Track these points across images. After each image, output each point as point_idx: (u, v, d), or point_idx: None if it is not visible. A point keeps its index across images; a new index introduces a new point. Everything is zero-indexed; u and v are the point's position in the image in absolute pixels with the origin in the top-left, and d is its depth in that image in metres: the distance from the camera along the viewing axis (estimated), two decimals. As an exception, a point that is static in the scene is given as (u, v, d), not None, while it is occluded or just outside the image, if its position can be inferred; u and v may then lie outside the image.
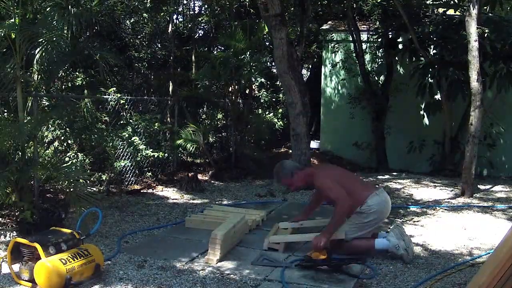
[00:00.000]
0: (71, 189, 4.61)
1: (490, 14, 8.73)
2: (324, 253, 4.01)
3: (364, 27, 10.62)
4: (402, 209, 6.26)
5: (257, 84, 9.77)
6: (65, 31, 5.64)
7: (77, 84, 7.20)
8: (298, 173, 4.54)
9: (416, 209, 6.22)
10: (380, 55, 10.34)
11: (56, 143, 6.38)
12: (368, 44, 10.45)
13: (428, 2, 9.31)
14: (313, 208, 4.94)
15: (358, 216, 4.31)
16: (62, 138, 6.43)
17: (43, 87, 6.16)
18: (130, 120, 7.17)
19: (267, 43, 10.03)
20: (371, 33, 10.35)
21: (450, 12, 9.04)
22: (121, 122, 7.14)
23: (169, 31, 9.72)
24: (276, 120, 9.29)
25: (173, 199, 6.55)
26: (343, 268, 3.93)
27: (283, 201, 6.46)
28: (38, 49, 4.88)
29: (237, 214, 5.50)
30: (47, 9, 5.48)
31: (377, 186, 4.58)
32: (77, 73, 7.28)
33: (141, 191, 6.92)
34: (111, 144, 6.62)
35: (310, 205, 5.01)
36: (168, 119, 8.72)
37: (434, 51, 9.04)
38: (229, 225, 4.42)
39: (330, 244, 4.11)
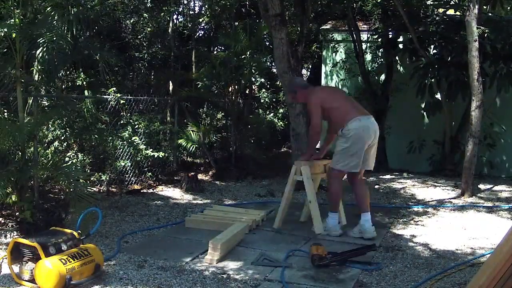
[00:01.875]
0: (71, 189, 4.61)
1: (490, 14, 8.72)
2: (321, 249, 4.07)
3: (364, 27, 10.62)
4: (403, 209, 6.26)
5: (257, 84, 9.76)
6: (65, 31, 5.64)
7: (78, 84, 7.20)
8: (299, 91, 5.03)
9: (416, 209, 6.22)
10: (380, 55, 10.33)
11: (56, 143, 6.38)
12: (368, 44, 10.44)
13: (428, 2, 9.29)
14: (331, 139, 5.32)
15: (340, 140, 4.73)
16: (62, 138, 6.43)
17: (43, 87, 6.16)
18: (130, 120, 7.17)
19: (267, 43, 10.02)
20: (371, 33, 10.34)
21: (450, 12, 9.03)
22: (121, 122, 7.13)
23: (169, 31, 9.71)
24: (276, 120, 9.28)
25: (173, 199, 6.55)
26: (353, 259, 4.10)
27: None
28: (39, 49, 4.88)
29: (237, 214, 5.52)
30: (47, 9, 5.49)
31: (362, 111, 4.83)
32: (78, 73, 7.28)
33: (141, 191, 6.92)
34: (111, 144, 6.62)
35: (325, 143, 5.41)
36: (168, 119, 8.72)
37: (434, 51, 9.03)
38: (229, 234, 4.45)
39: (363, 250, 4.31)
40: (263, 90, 9.76)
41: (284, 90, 7.49)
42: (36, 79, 5.68)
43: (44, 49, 4.89)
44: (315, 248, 4.08)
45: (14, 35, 4.51)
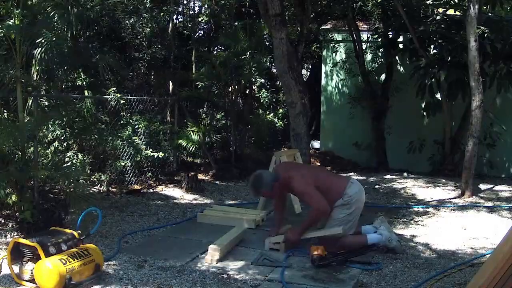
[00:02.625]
0: (71, 189, 4.61)
1: (490, 14, 8.72)
2: (321, 248, 4.08)
3: (364, 27, 10.61)
4: (403, 209, 6.26)
5: (257, 84, 9.77)
6: (65, 31, 5.63)
7: (78, 84, 7.20)
8: (276, 184, 4.45)
9: (416, 209, 6.22)
10: (380, 55, 10.33)
11: (56, 143, 6.38)
12: (368, 44, 10.44)
13: (428, 2, 9.29)
14: (282, 216, 4.83)
15: (341, 209, 4.37)
16: (62, 138, 6.42)
17: (43, 87, 6.16)
18: (130, 120, 7.17)
19: (267, 43, 10.02)
20: (371, 33, 10.34)
21: (450, 12, 9.03)
22: (121, 122, 7.13)
23: (169, 31, 9.71)
24: (276, 120, 9.28)
25: (173, 199, 6.55)
26: (353, 259, 4.11)
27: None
28: (39, 50, 4.87)
29: (237, 214, 5.53)
30: (48, 9, 5.47)
31: (347, 176, 4.82)
32: (78, 73, 7.28)
33: (141, 191, 6.92)
34: (111, 144, 6.62)
35: (278, 215, 4.82)
36: (168, 119, 8.72)
37: (434, 51, 9.03)
38: (230, 237, 4.49)
39: (327, 244, 4.18)
40: (263, 90, 9.77)
41: (284, 90, 7.49)
42: (36, 79, 5.67)
43: (44, 49, 4.89)
44: (315, 248, 4.08)
45: (14, 35, 4.52)
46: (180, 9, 10.82)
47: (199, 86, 8.66)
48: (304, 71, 12.98)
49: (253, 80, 9.09)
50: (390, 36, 9.74)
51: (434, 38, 8.85)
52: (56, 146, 6.41)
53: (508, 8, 9.11)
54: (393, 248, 4.33)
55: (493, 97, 8.86)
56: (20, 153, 4.80)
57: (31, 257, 3.52)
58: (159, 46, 9.98)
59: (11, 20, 4.67)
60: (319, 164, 9.99)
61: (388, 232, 4.39)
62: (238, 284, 3.65)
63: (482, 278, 2.86)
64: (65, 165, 5.00)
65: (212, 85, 8.99)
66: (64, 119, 6.20)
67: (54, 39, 4.82)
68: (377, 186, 7.73)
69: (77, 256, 3.53)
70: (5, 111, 5.48)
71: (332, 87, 11.00)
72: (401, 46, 9.68)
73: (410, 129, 9.80)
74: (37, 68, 5.24)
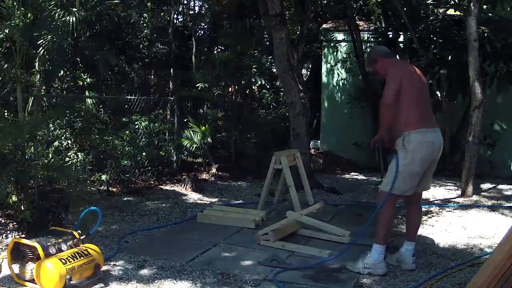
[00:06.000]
0: (71, 189, 4.61)
1: (490, 14, 8.71)
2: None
3: (364, 27, 10.62)
4: (403, 209, 6.25)
5: (257, 84, 9.77)
6: (66, 31, 5.63)
7: (78, 84, 7.20)
8: (380, 60, 4.17)
9: (416, 209, 6.21)
10: (380, 55, 10.32)
11: (56, 143, 6.38)
12: (368, 44, 10.44)
13: (428, 1, 9.29)
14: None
15: (400, 152, 3.90)
16: (62, 138, 6.43)
17: (43, 87, 6.16)
18: (130, 120, 7.17)
19: (267, 43, 10.02)
20: (371, 33, 10.34)
21: (450, 12, 9.03)
22: (122, 122, 7.13)
23: (169, 31, 9.72)
24: (276, 120, 9.29)
25: (173, 199, 6.55)
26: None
27: (283, 201, 6.45)
28: (39, 50, 4.88)
29: (238, 214, 5.54)
30: (48, 9, 5.47)
31: (435, 125, 4.02)
32: (78, 74, 7.28)
33: (141, 190, 6.92)
34: (111, 144, 6.62)
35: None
36: (168, 118, 8.72)
37: (434, 51, 9.03)
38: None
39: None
40: (264, 90, 9.78)
41: (284, 90, 7.49)
42: (36, 79, 5.68)
43: (44, 49, 4.89)
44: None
45: (14, 35, 4.52)
46: (180, 9, 10.83)
47: (199, 89, 8.66)
48: (304, 71, 12.99)
49: (253, 80, 9.09)
50: (390, 35, 9.74)
51: (434, 38, 8.85)
52: (56, 146, 6.41)
53: (508, 8, 9.10)
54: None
55: (493, 97, 8.86)
56: (20, 153, 4.80)
57: (31, 257, 3.52)
58: (159, 46, 9.99)
59: (12, 21, 4.67)
60: (320, 162, 10.00)
61: (374, 265, 3.91)
62: (238, 284, 3.65)
63: (482, 278, 2.85)
64: (65, 165, 4.99)
65: (213, 85, 9.00)
66: (65, 119, 6.20)
67: (54, 39, 4.82)
68: (379, 186, 7.72)
69: (77, 256, 3.53)
70: (5, 111, 5.48)
71: (332, 87, 11.00)
72: (401, 45, 9.68)
73: (410, 129, 9.79)
74: (38, 68, 5.25)
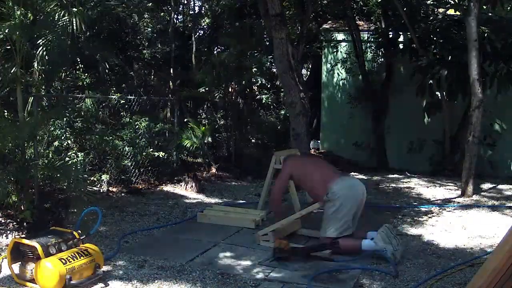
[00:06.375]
0: (71, 189, 4.61)
1: (490, 14, 8.72)
2: (284, 243, 4.18)
3: (364, 27, 10.62)
4: (402, 209, 6.26)
5: (257, 84, 9.77)
6: (66, 31, 5.63)
7: (79, 84, 7.20)
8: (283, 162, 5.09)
9: (416, 209, 6.22)
10: (380, 55, 10.33)
11: (56, 143, 6.38)
12: (368, 44, 10.44)
13: (428, 1, 9.30)
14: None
15: (328, 205, 4.42)
16: (62, 138, 6.43)
17: (43, 87, 6.16)
18: (131, 120, 7.17)
19: (267, 43, 10.02)
20: (371, 33, 10.35)
21: (450, 12, 9.03)
22: (122, 122, 7.13)
23: (169, 31, 9.72)
24: (276, 120, 9.29)
25: (173, 199, 6.54)
26: (311, 254, 4.16)
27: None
28: (39, 50, 4.88)
29: (238, 214, 5.54)
30: (48, 9, 5.47)
31: (346, 173, 4.79)
32: (78, 73, 7.28)
33: (142, 190, 6.92)
34: (111, 144, 6.62)
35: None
36: (168, 118, 8.72)
37: (435, 51, 9.04)
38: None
39: (326, 245, 4.26)
40: (264, 90, 9.78)
41: (284, 90, 7.50)
42: (36, 79, 5.68)
43: (45, 49, 4.89)
44: (279, 241, 4.20)
45: (14, 36, 4.52)
46: (180, 9, 10.83)
47: (200, 91, 8.66)
48: (304, 71, 12.99)
49: (254, 80, 9.09)
50: (390, 35, 9.75)
51: (434, 38, 8.85)
52: (56, 146, 6.41)
53: (508, 8, 9.11)
54: (388, 260, 4.13)
55: (493, 97, 8.86)
56: (20, 153, 4.80)
57: (31, 257, 3.52)
58: (159, 46, 9.99)
59: (12, 21, 4.67)
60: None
61: (383, 243, 4.19)
62: (238, 284, 3.65)
63: (482, 278, 2.85)
64: (65, 165, 4.99)
65: (212, 85, 9.00)
66: (65, 119, 6.20)
67: (54, 39, 4.82)
68: (379, 186, 7.74)
69: (77, 256, 3.53)
70: (5, 111, 5.48)
71: (332, 87, 11.01)
72: (401, 45, 9.68)
73: (410, 129, 9.81)
74: (38, 68, 5.25)
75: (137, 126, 7.14)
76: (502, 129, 9.18)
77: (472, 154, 6.96)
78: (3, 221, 4.96)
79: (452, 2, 8.54)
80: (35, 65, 5.25)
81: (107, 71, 7.77)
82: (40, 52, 4.93)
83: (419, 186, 7.76)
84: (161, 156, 7.23)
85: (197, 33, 11.01)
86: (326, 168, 4.76)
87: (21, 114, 4.74)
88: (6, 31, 4.47)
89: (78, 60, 7.38)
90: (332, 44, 10.85)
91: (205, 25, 11.00)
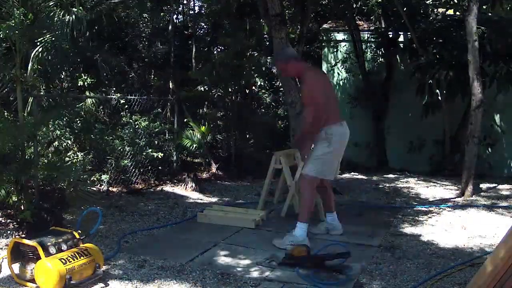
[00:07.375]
0: (71, 189, 4.61)
1: (490, 14, 8.72)
2: (304, 250, 4.05)
3: (364, 27, 10.62)
4: (403, 208, 6.26)
5: (257, 84, 9.77)
6: (66, 31, 5.63)
7: (79, 84, 7.20)
8: (292, 63, 4.57)
9: (417, 209, 6.22)
10: (380, 55, 10.33)
11: (56, 143, 6.38)
12: (368, 44, 10.44)
13: (428, 1, 9.30)
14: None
15: (321, 144, 4.45)
16: (62, 138, 6.43)
17: (43, 87, 6.16)
18: (130, 120, 7.18)
19: (267, 43, 10.03)
20: (371, 33, 10.35)
21: (450, 12, 9.03)
22: (122, 122, 7.13)
23: (169, 30, 9.71)
24: (276, 120, 9.29)
25: (173, 199, 6.55)
26: (325, 264, 3.93)
27: (283, 201, 6.45)
28: (39, 50, 4.87)
29: (238, 214, 5.54)
30: (48, 9, 5.47)
31: (342, 118, 4.77)
32: (79, 74, 7.28)
33: (142, 190, 6.92)
34: (111, 144, 6.62)
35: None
36: (169, 118, 8.72)
37: (434, 50, 9.04)
38: None
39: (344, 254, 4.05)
40: (264, 90, 9.78)
41: (284, 90, 7.49)
42: (36, 79, 5.67)
43: (44, 49, 4.89)
44: (298, 251, 4.05)
45: (14, 36, 4.51)
46: (180, 9, 10.83)
47: (199, 88, 8.66)
48: (304, 71, 12.96)
49: (253, 80, 9.09)
50: (390, 35, 9.75)
51: (434, 38, 8.85)
52: (56, 146, 6.41)
53: (508, 8, 9.11)
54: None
55: (493, 97, 8.87)
56: (20, 153, 4.80)
57: (31, 257, 3.52)
58: (159, 46, 9.99)
59: (12, 21, 4.67)
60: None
61: (303, 236, 4.42)
62: (238, 284, 3.65)
63: (482, 278, 2.85)
64: (65, 165, 4.99)
65: (212, 85, 9.00)
66: (65, 119, 6.20)
67: (54, 39, 4.82)
68: (379, 186, 7.74)
69: (77, 256, 3.53)
70: (5, 111, 5.47)
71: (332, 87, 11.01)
72: (401, 45, 9.69)
73: (410, 129, 9.81)
74: (37, 67, 5.24)
75: (137, 126, 7.15)
76: (502, 129, 9.17)
77: (472, 154, 6.96)
78: (3, 221, 4.97)
79: (452, 2, 8.55)
80: (30, 64, 5.24)
81: (106, 71, 7.76)
82: (40, 53, 4.93)
83: (419, 186, 7.76)
84: (160, 156, 7.23)
85: (197, 33, 11.02)
86: (334, 104, 4.74)
87: (21, 114, 4.74)
88: (7, 32, 4.47)
89: (78, 60, 7.38)
90: (332, 44, 10.85)
91: (204, 25, 11.01)
